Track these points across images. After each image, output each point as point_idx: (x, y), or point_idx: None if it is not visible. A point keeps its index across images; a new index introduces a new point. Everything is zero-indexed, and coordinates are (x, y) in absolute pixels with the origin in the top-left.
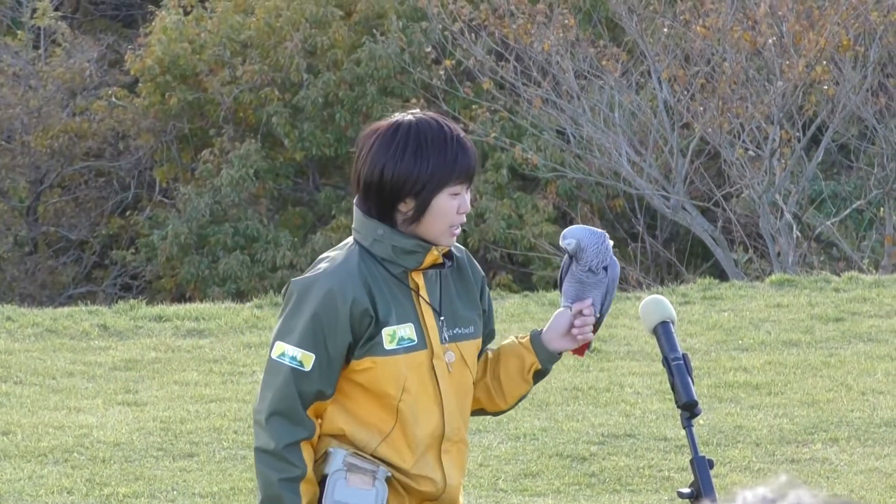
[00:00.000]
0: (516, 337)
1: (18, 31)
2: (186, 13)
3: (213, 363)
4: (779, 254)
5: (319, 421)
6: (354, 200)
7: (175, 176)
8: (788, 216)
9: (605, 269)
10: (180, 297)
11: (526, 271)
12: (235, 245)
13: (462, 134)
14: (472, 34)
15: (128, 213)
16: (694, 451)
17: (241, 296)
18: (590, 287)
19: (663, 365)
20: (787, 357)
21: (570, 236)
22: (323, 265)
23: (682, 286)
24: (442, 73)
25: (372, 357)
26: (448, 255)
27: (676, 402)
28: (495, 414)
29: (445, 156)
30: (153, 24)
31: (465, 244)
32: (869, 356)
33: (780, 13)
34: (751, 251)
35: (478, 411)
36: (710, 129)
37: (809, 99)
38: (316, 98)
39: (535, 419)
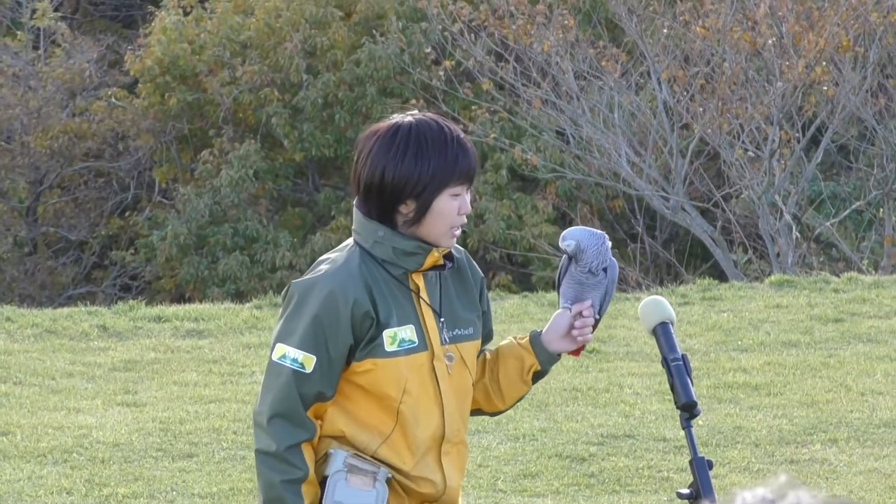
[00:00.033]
0: (514, 338)
1: (18, 32)
2: (186, 14)
3: (212, 364)
4: (778, 254)
5: (320, 422)
6: (354, 202)
7: (174, 176)
8: (788, 217)
9: (605, 270)
10: (180, 298)
11: (525, 272)
12: (235, 246)
13: (462, 135)
14: (472, 35)
15: (127, 213)
16: (693, 452)
17: (240, 296)
18: (589, 288)
19: (662, 366)
20: (787, 358)
21: (570, 238)
22: (324, 267)
23: (682, 287)
24: (441, 73)
25: (373, 359)
26: (448, 257)
27: (676, 403)
28: (493, 414)
29: (446, 157)
30: (153, 24)
31: (464, 245)
32: (868, 357)
33: (779, 14)
34: (750, 252)
35: (475, 412)
36: (709, 130)
37: (809, 100)
38: (315, 99)
39: (535, 420)
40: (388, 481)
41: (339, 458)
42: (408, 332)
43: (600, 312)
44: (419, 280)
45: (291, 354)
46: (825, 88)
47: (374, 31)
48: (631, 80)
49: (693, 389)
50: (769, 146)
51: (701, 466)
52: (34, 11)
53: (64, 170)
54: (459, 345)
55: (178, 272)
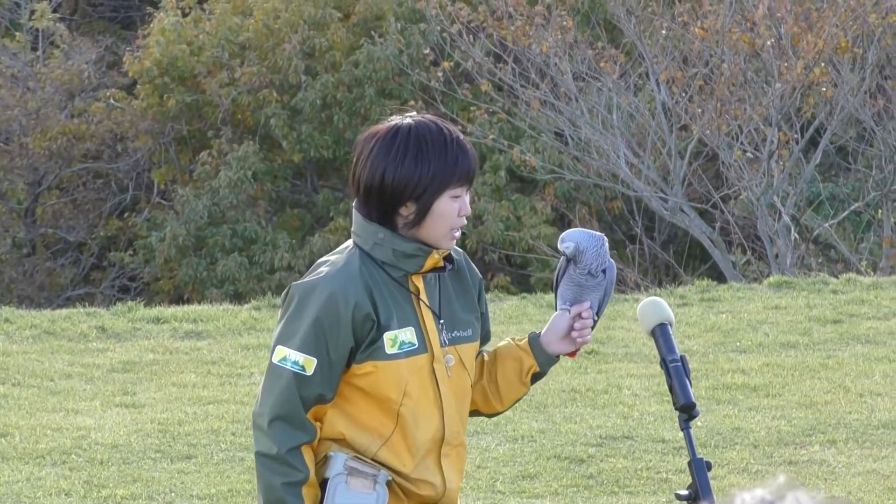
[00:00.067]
0: (513, 339)
1: (17, 33)
2: (185, 15)
3: (211, 365)
4: (777, 256)
5: (319, 425)
6: (354, 204)
7: (173, 178)
8: (786, 218)
9: (604, 271)
10: (178, 299)
11: (524, 273)
12: (233, 247)
13: (461, 136)
14: (471, 36)
15: (126, 214)
16: (692, 453)
17: (239, 297)
18: (588, 290)
19: (661, 367)
20: (785, 359)
21: (569, 239)
22: (324, 269)
23: (680, 288)
24: (440, 74)
25: (373, 361)
26: (448, 259)
27: (674, 404)
28: (490, 415)
29: (446, 159)
30: (151, 25)
31: (462, 246)
32: (867, 358)
33: (778, 15)
34: (749, 253)
35: (473, 413)
36: (708, 131)
37: (808, 101)
38: (314, 100)
39: (533, 421)
40: (389, 484)
41: (340, 460)
42: (408, 335)
43: (598, 314)
44: (419, 282)
45: (292, 357)
46: (824, 89)
47: (372, 33)
48: (629, 81)
49: (692, 391)
50: (768, 147)
51: (699, 468)
52: (33, 12)
53: (62, 171)
54: (458, 346)
55: (176, 273)
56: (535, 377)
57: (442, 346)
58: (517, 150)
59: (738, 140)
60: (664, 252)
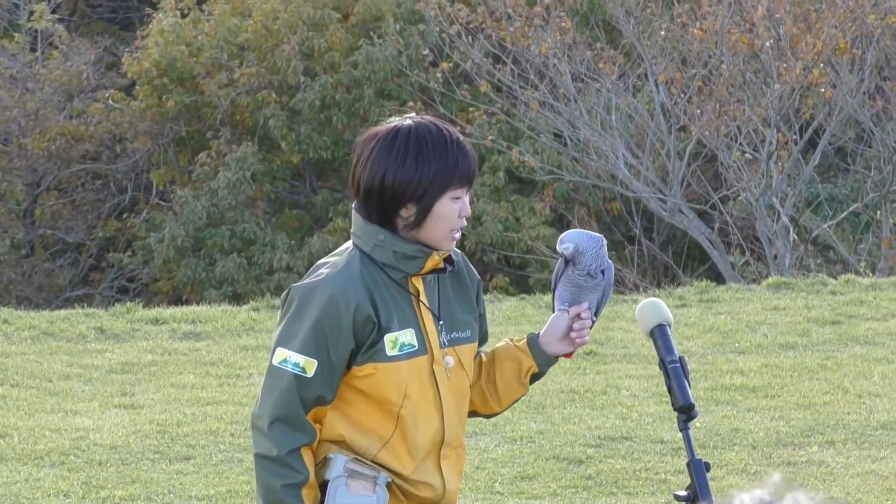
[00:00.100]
0: (511, 339)
1: (15, 34)
2: (184, 16)
3: (209, 366)
4: (775, 257)
5: (319, 426)
6: (353, 205)
7: (172, 179)
8: (785, 219)
9: (602, 272)
10: (177, 300)
11: (523, 274)
12: (232, 248)
13: (461, 137)
14: (470, 37)
15: (125, 215)
16: (690, 454)
17: (237, 298)
18: (587, 291)
19: (660, 368)
20: (784, 360)
21: (568, 240)
22: (324, 271)
23: (679, 289)
24: (439, 75)
25: (374, 363)
26: (448, 260)
27: (673, 405)
28: (488, 416)
29: (446, 160)
30: (150, 26)
31: (461, 247)
32: (865, 359)
33: (777, 16)
34: (747, 254)
35: (470, 413)
36: (707, 132)
37: (806, 102)
38: (313, 101)
39: (532, 422)
40: (388, 485)
41: (340, 462)
42: (408, 336)
43: (596, 314)
44: (419, 283)
45: (293, 359)
46: (823, 90)
47: (371, 34)
48: (628, 82)
49: (690, 391)
50: (767, 148)
51: (698, 468)
52: (31, 13)
53: (61, 172)
54: (457, 347)
55: (175, 274)
56: (534, 378)
57: (441, 347)
58: (516, 150)
59: (736, 141)
60: (663, 253)
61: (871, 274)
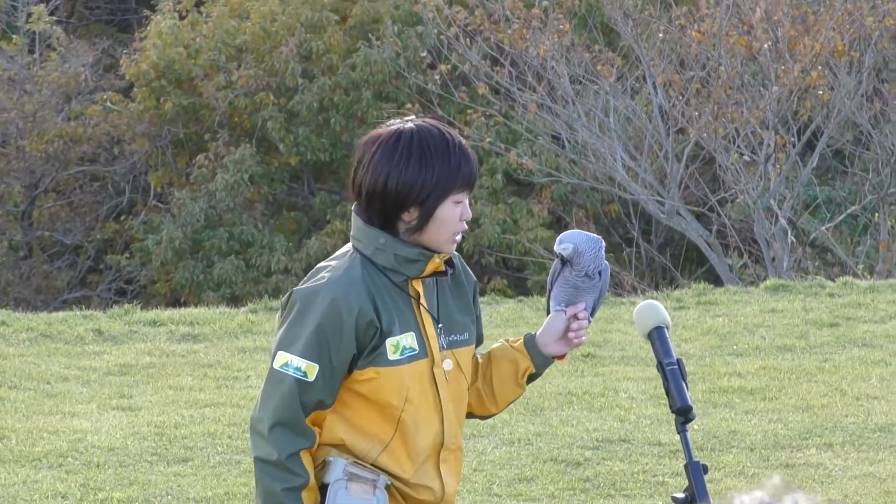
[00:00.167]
0: (507, 340)
1: (13, 36)
2: (182, 18)
3: (207, 368)
4: (773, 259)
5: (318, 430)
6: (353, 208)
7: (170, 181)
8: (783, 221)
9: (599, 273)
10: (175, 302)
11: (521, 276)
12: (230, 250)
13: (463, 141)
14: (468, 39)
15: (122, 217)
16: (688, 456)
17: (235, 301)
18: (584, 292)
19: (658, 370)
20: (782, 362)
21: (567, 241)
22: (325, 274)
23: (677, 291)
24: (437, 77)
25: (375, 368)
26: (449, 263)
27: (671, 407)
28: (484, 418)
29: (449, 164)
30: (148, 28)
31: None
32: (863, 361)
33: (775, 18)
34: (745, 256)
35: (467, 415)
36: (705, 134)
37: (804, 104)
38: (311, 103)
39: (530, 424)
40: (388, 488)
41: (339, 466)
42: (409, 340)
43: (592, 315)
44: (419, 286)
45: (294, 363)
46: (821, 93)
47: (369, 36)
48: (626, 84)
49: (688, 394)
50: (764, 150)
51: (696, 471)
52: (29, 15)
53: (59, 174)
54: (456, 350)
55: (173, 276)
56: (531, 378)
57: (441, 350)
58: (514, 153)
59: (734, 143)
60: (661, 255)
61: (868, 276)
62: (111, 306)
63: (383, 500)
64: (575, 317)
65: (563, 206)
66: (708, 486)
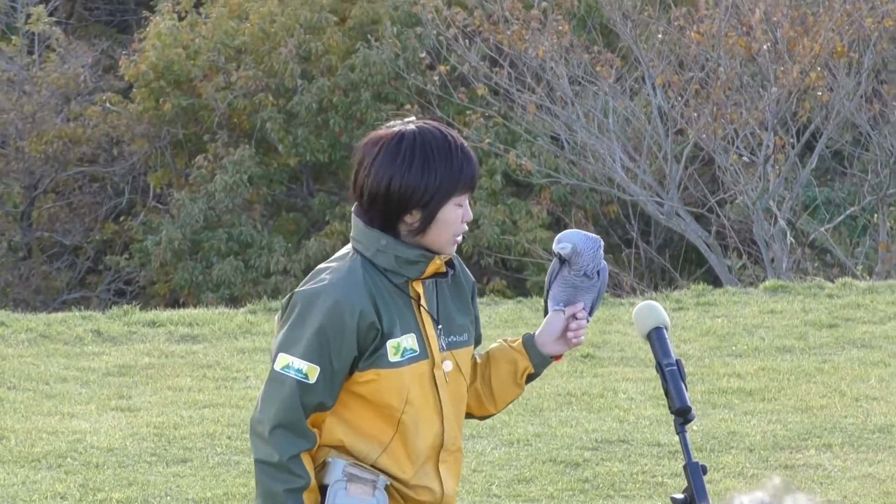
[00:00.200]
0: (505, 340)
1: (13, 37)
2: (181, 19)
3: (206, 368)
4: (772, 260)
5: (318, 431)
6: (353, 210)
7: (169, 181)
8: (782, 222)
9: (598, 273)
10: (174, 303)
11: (520, 277)
12: (229, 251)
13: (464, 143)
14: (467, 40)
15: (122, 218)
16: (687, 457)
17: (234, 301)
18: (583, 291)
19: (657, 371)
20: (781, 363)
21: (566, 240)
22: (326, 276)
23: (676, 292)
24: (436, 78)
25: (376, 369)
26: (449, 264)
27: (670, 408)
28: (482, 418)
29: (452, 166)
30: (147, 29)
31: (458, 250)
32: (862, 362)
33: (774, 19)
34: (745, 257)
35: (466, 415)
36: (704, 135)
37: (804, 105)
38: (310, 104)
39: (529, 425)
40: (387, 489)
41: (339, 467)
42: (410, 342)
43: (590, 314)
44: (419, 288)
45: (295, 365)
46: (820, 94)
47: (368, 36)
48: (625, 85)
49: (687, 395)
50: (764, 151)
51: (695, 471)
52: (29, 16)
53: (58, 174)
54: (455, 351)
55: (172, 277)
56: (529, 378)
57: (441, 351)
58: (513, 154)
59: (734, 144)
60: (660, 256)
61: (868, 277)
62: (110, 307)
63: (383, 500)
64: (573, 316)
65: (562, 207)
66: (707, 486)
